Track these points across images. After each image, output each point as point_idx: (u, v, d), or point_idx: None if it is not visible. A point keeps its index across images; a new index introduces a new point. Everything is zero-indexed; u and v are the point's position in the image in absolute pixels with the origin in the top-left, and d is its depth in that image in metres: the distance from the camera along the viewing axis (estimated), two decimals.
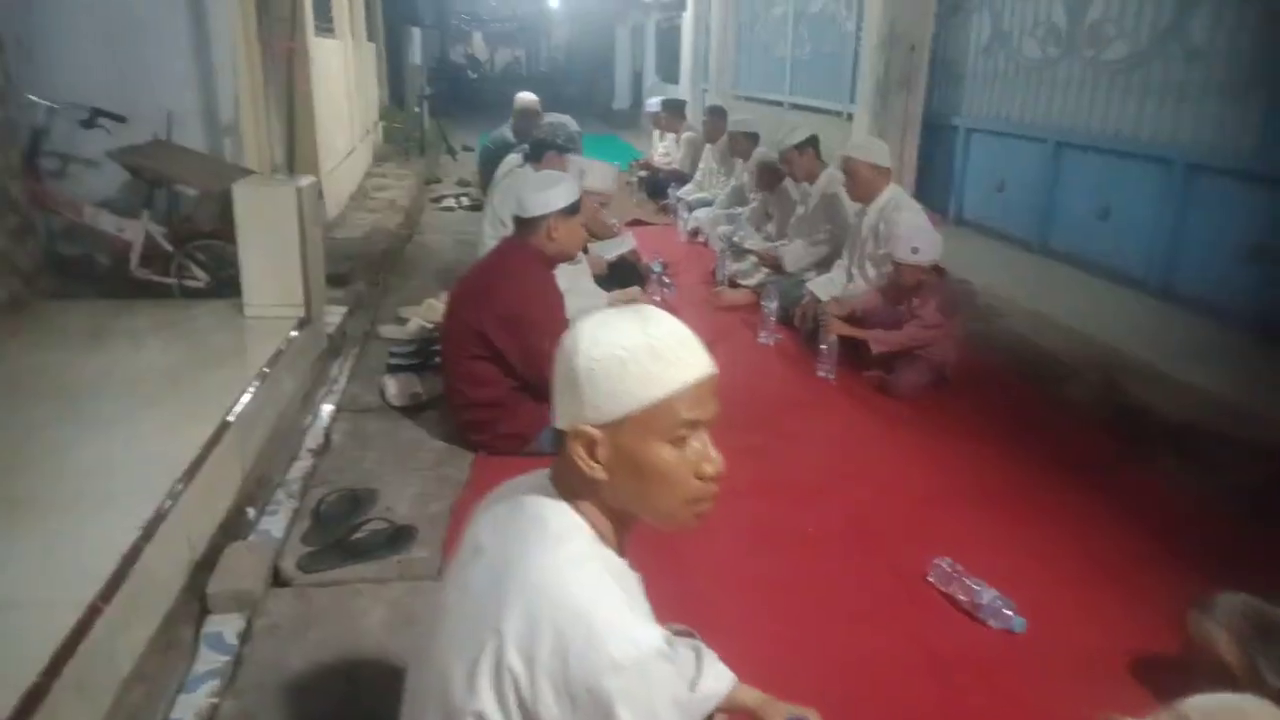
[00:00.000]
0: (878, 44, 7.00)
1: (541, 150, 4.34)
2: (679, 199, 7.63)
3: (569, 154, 4.35)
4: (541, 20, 34.12)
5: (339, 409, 3.44)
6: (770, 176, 5.80)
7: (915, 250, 3.63)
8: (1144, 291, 4.87)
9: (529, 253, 2.95)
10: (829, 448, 3.30)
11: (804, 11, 9.33)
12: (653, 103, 8.88)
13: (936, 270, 3.71)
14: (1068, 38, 5.50)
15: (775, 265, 5.14)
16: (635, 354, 1.06)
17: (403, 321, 4.47)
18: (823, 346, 3.86)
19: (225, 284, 4.01)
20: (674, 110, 8.56)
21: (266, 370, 3.10)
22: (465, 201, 8.17)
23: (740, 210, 6.58)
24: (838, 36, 8.51)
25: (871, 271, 4.26)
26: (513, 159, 5.37)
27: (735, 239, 5.96)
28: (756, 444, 3.12)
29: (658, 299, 5.12)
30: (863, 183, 4.18)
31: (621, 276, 4.88)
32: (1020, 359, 4.05)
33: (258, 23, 4.41)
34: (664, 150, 9.07)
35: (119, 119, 4.12)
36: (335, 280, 4.92)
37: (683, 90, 13.66)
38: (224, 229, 3.92)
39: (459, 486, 2.83)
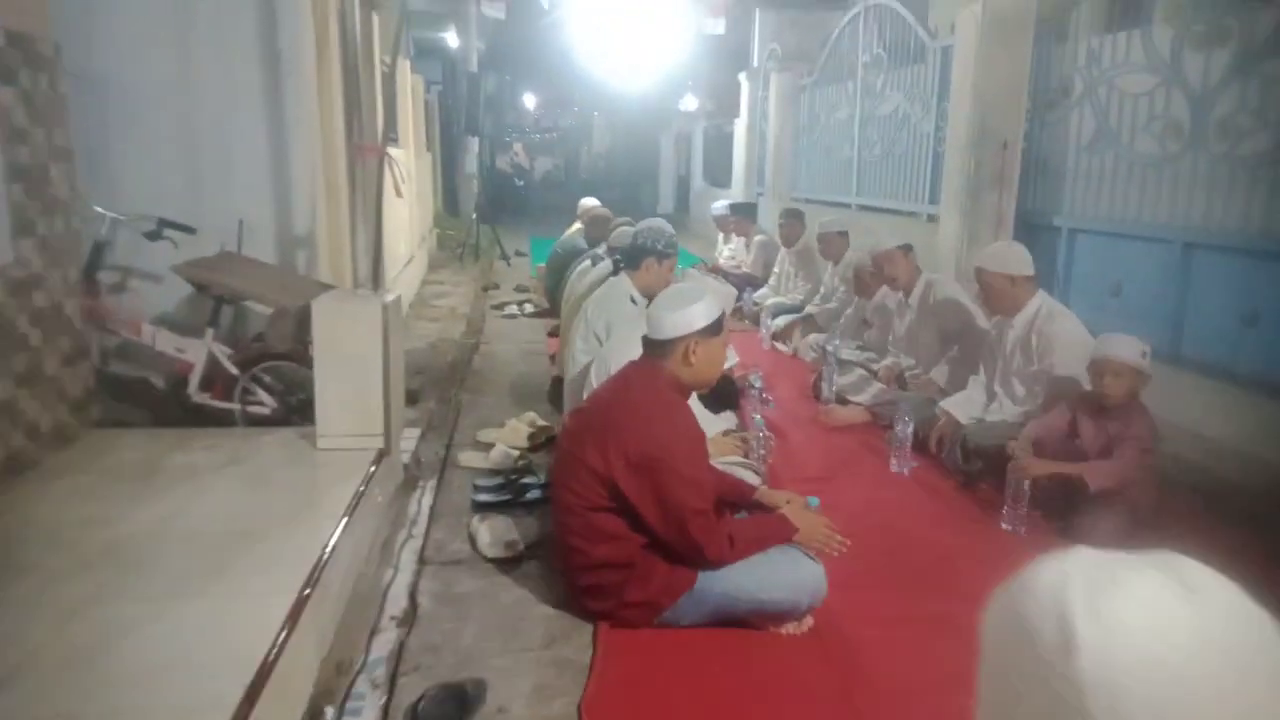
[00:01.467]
0: (966, 143, 6.65)
1: (639, 258, 3.94)
2: (756, 304, 7.22)
3: (666, 260, 3.94)
4: (582, 130, 34.99)
5: (424, 561, 2.94)
6: (868, 281, 5.37)
7: (1145, 354, 3.11)
8: None
9: (661, 381, 2.48)
10: None
11: (872, 114, 9.11)
12: (720, 206, 8.61)
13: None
14: (1192, 132, 5.08)
15: (895, 381, 4.64)
16: None
17: (484, 447, 4.01)
18: (1011, 492, 3.24)
19: (294, 410, 3.59)
20: (745, 213, 8.27)
21: (346, 520, 2.63)
22: (529, 309, 7.83)
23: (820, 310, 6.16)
24: (912, 137, 8.22)
25: (1020, 390, 3.73)
26: (599, 269, 5.01)
27: (830, 348, 5.49)
28: (941, 612, 2.55)
29: (758, 416, 4.63)
30: (1001, 295, 3.70)
31: (721, 392, 4.41)
32: (1209, 494, 3.46)
33: (346, 127, 4.13)
34: (730, 253, 8.74)
35: (188, 230, 3.79)
36: (405, 398, 4.50)
37: (735, 194, 13.49)
38: (297, 350, 3.52)
39: (582, 673, 2.28)
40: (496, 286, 9.32)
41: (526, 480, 3.48)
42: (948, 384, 4.38)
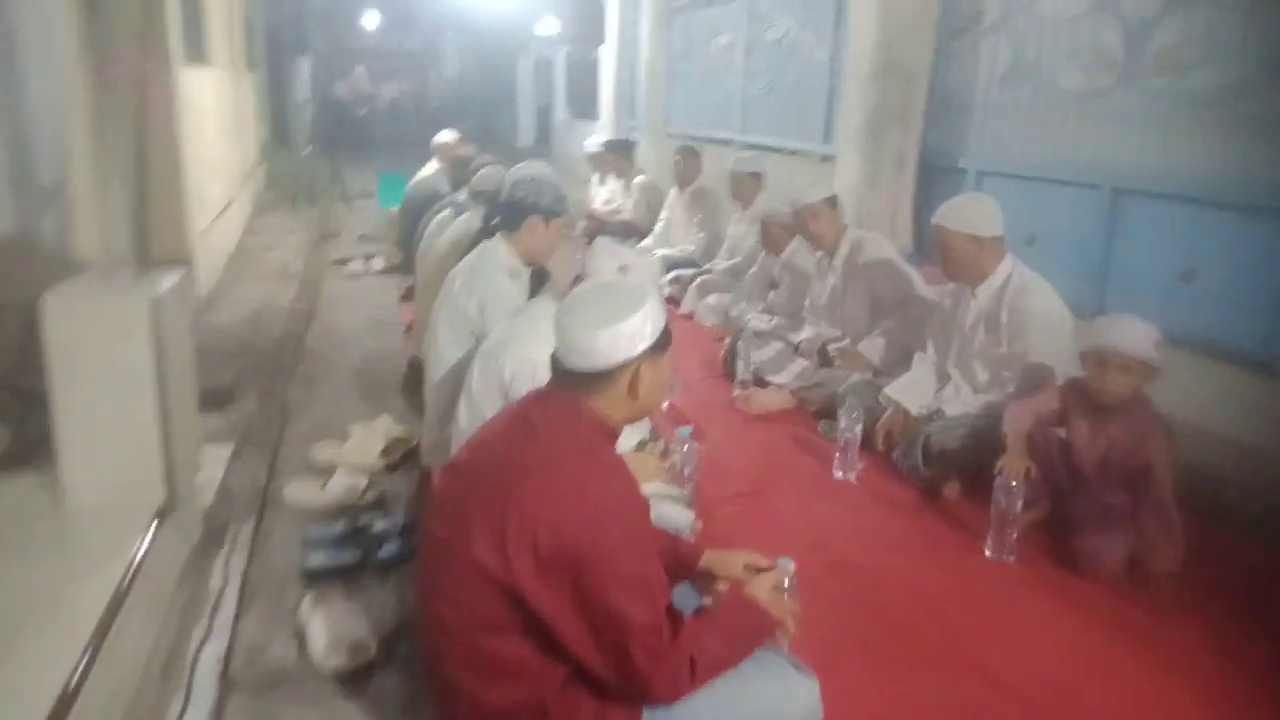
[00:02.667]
0: (869, 74, 5.99)
1: (519, 216, 3.02)
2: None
3: (555, 220, 3.05)
4: (431, 53, 32.62)
5: (228, 681, 2.02)
6: (776, 235, 4.66)
7: (1157, 344, 2.51)
8: (1268, 373, 3.92)
9: (583, 424, 1.64)
10: (1048, 681, 2.10)
11: (758, 40, 8.33)
12: (593, 143, 7.67)
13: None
14: (1126, 65, 4.58)
15: (818, 356, 3.96)
16: None
17: (321, 473, 3.05)
18: (999, 513, 2.58)
19: (33, 447, 2.52)
20: (623, 151, 7.37)
21: (96, 642, 1.68)
22: (378, 264, 6.71)
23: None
24: (804, 67, 7.52)
25: (983, 375, 3.12)
26: (463, 221, 4.06)
27: (735, 314, 4.77)
28: (954, 698, 1.88)
29: (663, 405, 3.86)
30: (964, 260, 3.04)
31: None
32: (1197, 492, 2.97)
33: (91, 39, 2.97)
34: (606, 198, 7.86)
35: None
36: (212, 399, 3.46)
37: (603, 128, 12.51)
38: (29, 362, 2.45)
39: None
40: (337, 235, 8.08)
41: (379, 527, 2.58)
42: (882, 361, 3.75)
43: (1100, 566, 2.46)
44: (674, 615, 1.61)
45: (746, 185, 5.32)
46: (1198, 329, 4.14)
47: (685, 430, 2.72)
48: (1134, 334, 2.49)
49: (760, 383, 3.96)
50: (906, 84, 5.96)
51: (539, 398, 1.70)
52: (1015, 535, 2.55)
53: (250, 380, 3.94)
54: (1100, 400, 2.55)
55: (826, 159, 7.04)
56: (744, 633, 1.72)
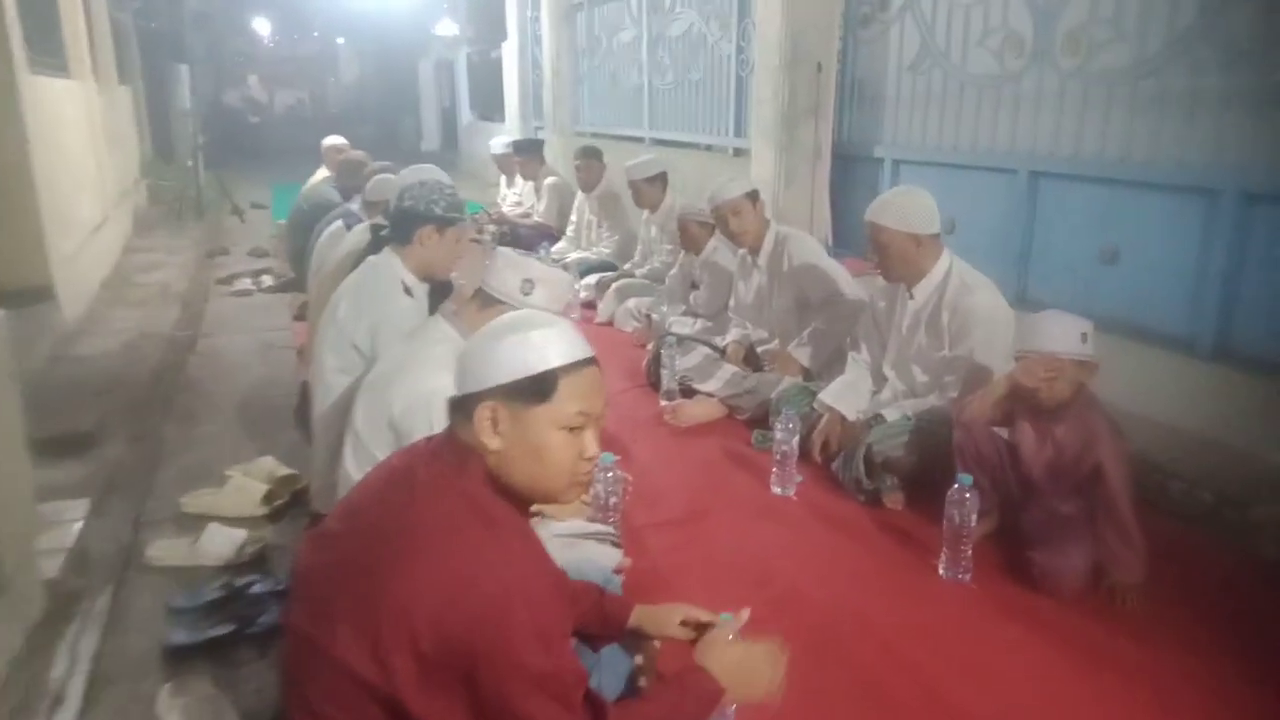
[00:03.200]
0: (778, 65, 5.83)
1: (410, 226, 2.70)
2: (556, 260, 6.10)
3: (451, 229, 2.73)
4: (326, 59, 31.58)
5: None
6: (695, 233, 4.43)
7: (1085, 337, 2.33)
8: (1191, 354, 3.87)
9: (475, 485, 1.35)
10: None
11: (661, 35, 8.10)
12: (500, 143, 7.33)
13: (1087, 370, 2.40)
14: (1035, 46, 4.51)
15: (744, 359, 3.74)
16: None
17: (191, 526, 2.66)
18: (953, 529, 2.36)
19: None
20: (531, 151, 7.03)
21: None
22: (266, 281, 6.22)
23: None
24: (711, 60, 7.33)
25: (922, 377, 2.93)
26: (356, 234, 3.71)
27: (656, 316, 4.52)
28: None
29: (607, 455, 3.58)
30: (901, 259, 2.84)
31: None
32: (1142, 485, 2.84)
33: None
34: (515, 198, 7.53)
35: None
36: (69, 445, 3.04)
37: (510, 128, 12.14)
38: None
39: None
40: (226, 252, 7.52)
41: (258, 589, 2.23)
42: (814, 363, 3.55)
43: (1059, 583, 2.28)
44: (596, 706, 1.33)
45: (646, 192, 5.10)
46: (1121, 311, 4.07)
47: (608, 457, 2.44)
48: (1059, 332, 2.33)
49: (687, 392, 3.72)
50: (816, 74, 5.82)
51: (431, 449, 1.39)
52: (969, 552, 2.35)
53: (118, 420, 3.50)
54: (1038, 403, 2.38)
55: (740, 153, 6.86)
56: (685, 705, 1.45)
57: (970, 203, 5.01)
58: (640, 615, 1.72)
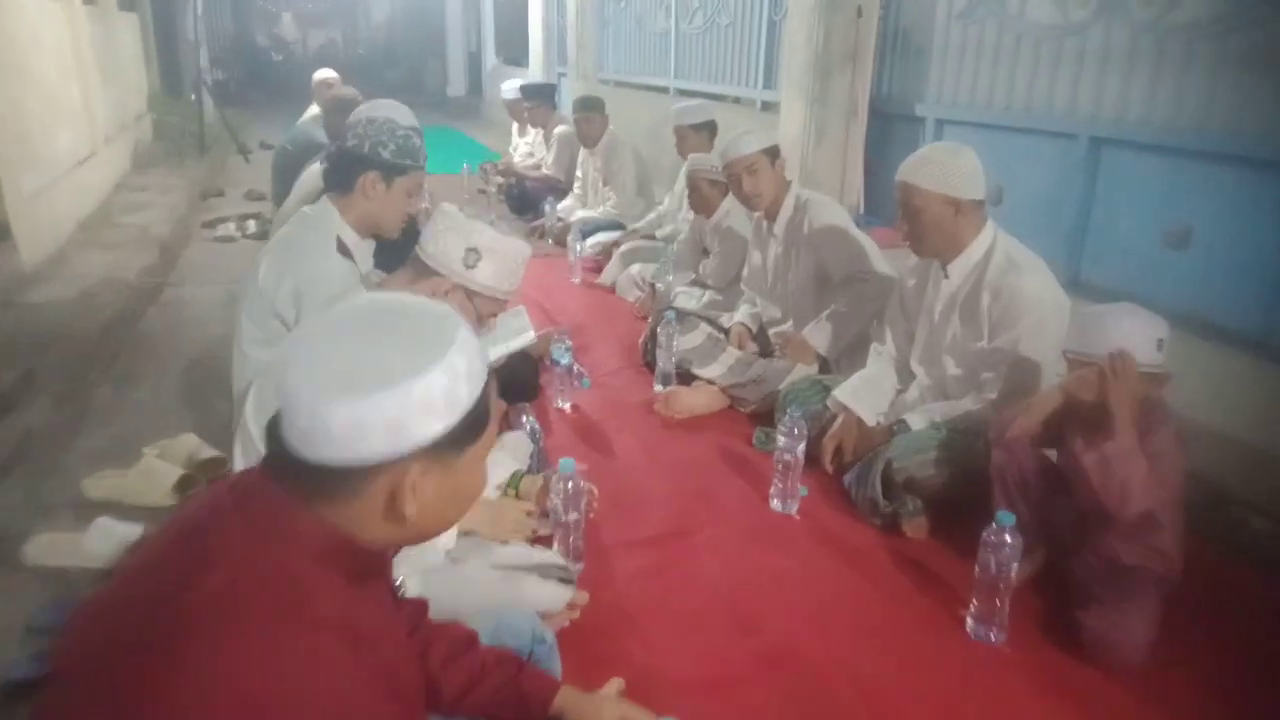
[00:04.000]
0: (815, 7, 5.27)
1: (352, 172, 2.25)
2: (560, 220, 5.63)
3: (401, 179, 2.28)
4: None
5: None
6: (706, 192, 3.94)
7: (1161, 344, 1.87)
8: (1266, 355, 3.35)
9: (296, 554, 0.91)
10: None
11: None
12: (510, 87, 6.82)
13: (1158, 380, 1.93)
14: None
15: (749, 341, 3.28)
16: None
17: (91, 514, 2.28)
18: (988, 580, 1.88)
19: None
20: (540, 96, 6.50)
21: None
22: (251, 227, 5.81)
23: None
24: (742, 3, 6.74)
25: (955, 372, 2.46)
26: (309, 180, 3.30)
27: (661, 286, 4.05)
28: None
29: (566, 406, 3.16)
30: (937, 228, 2.35)
31: (514, 378, 2.92)
32: (1205, 516, 2.37)
33: None
34: (526, 148, 7.04)
35: None
36: None
37: (534, 74, 11.59)
38: None
39: None
40: (221, 193, 7.13)
41: None
42: (830, 349, 3.08)
43: (1114, 653, 1.82)
44: None
45: (692, 140, 4.55)
46: (1187, 303, 3.56)
47: (568, 463, 2.01)
48: (1129, 334, 1.86)
49: (686, 378, 3.27)
50: (856, 19, 5.26)
51: (240, 505, 0.96)
52: (1005, 607, 1.90)
53: (47, 378, 3.13)
54: (1097, 421, 1.90)
55: (769, 107, 6.33)
56: None
57: (1021, 171, 4.47)
58: (566, 700, 1.31)
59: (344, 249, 2.27)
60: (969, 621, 1.96)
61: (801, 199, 3.25)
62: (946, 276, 2.43)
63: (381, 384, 0.86)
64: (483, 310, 1.82)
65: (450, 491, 0.96)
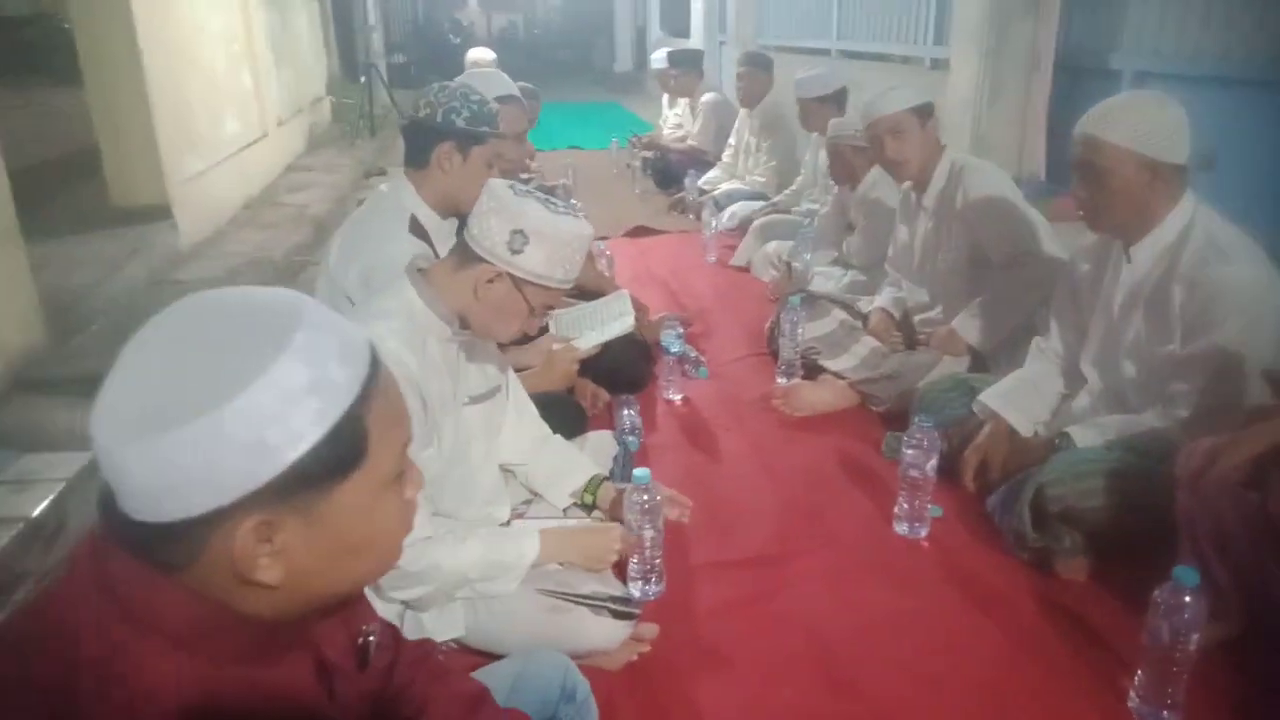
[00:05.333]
0: None
1: (426, 144, 2.07)
2: (702, 192, 5.32)
3: (478, 148, 2.07)
4: None
5: None
6: (850, 160, 3.52)
7: None
8: None
9: (164, 630, 0.71)
10: None
11: None
12: (658, 57, 6.54)
13: None
14: None
15: (892, 331, 2.87)
16: None
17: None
18: (1169, 644, 1.44)
19: None
20: (687, 63, 6.18)
21: None
22: None
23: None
24: None
25: (1137, 382, 1.98)
26: None
27: (797, 265, 3.68)
28: None
29: (677, 398, 2.89)
30: (1126, 196, 1.85)
31: (622, 364, 2.68)
32: None
33: None
34: (675, 121, 6.75)
35: None
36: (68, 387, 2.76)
37: (694, 43, 11.27)
38: None
39: None
40: (383, 173, 7.31)
41: None
42: (983, 342, 2.63)
43: None
44: None
45: (818, 114, 4.13)
46: None
47: (643, 474, 1.74)
48: None
49: (813, 369, 2.91)
50: None
51: (97, 578, 0.75)
52: (1184, 682, 1.46)
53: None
54: None
55: (938, 65, 5.71)
56: None
57: (1239, 131, 3.73)
58: None
59: (419, 229, 2.09)
60: (1132, 698, 1.53)
61: (957, 166, 2.79)
62: (1129, 261, 1.95)
63: (182, 417, 0.63)
64: (535, 301, 1.57)
65: (330, 545, 0.72)
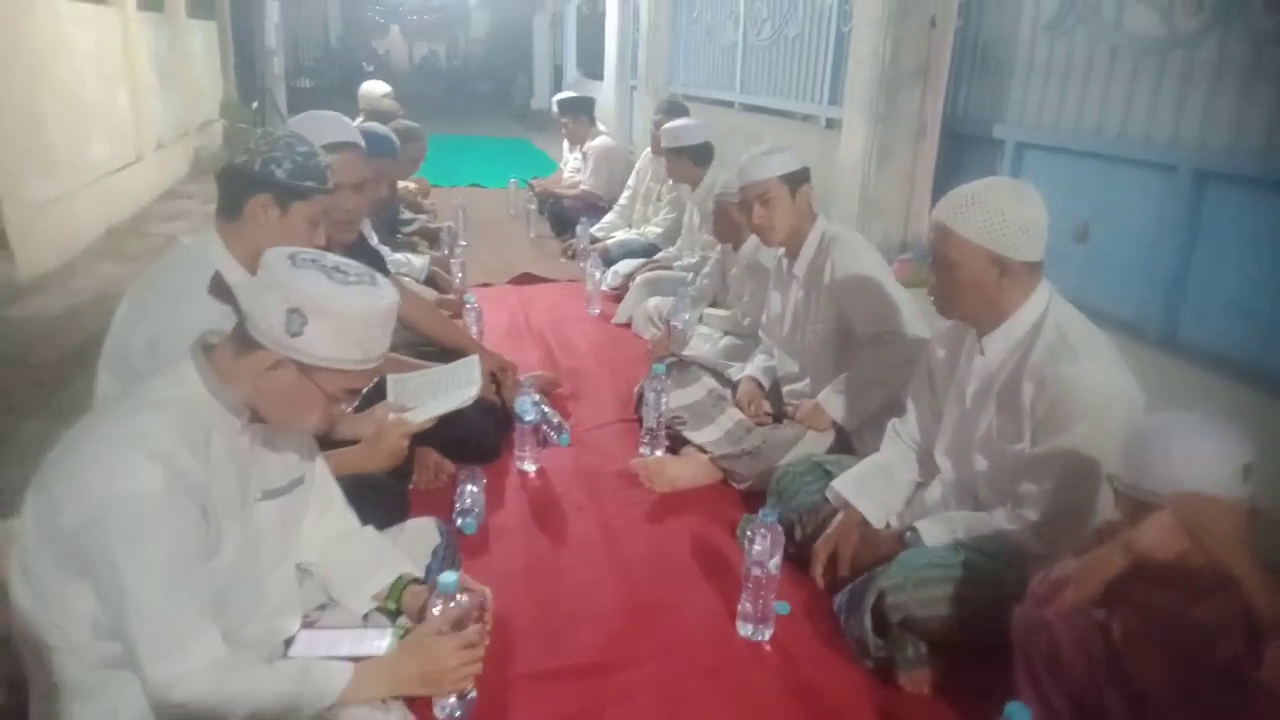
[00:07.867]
0: (883, 16, 4.72)
1: (240, 194, 1.86)
2: (594, 240, 5.20)
3: (298, 203, 1.87)
4: (460, 10, 31.35)
5: None
6: (734, 220, 3.45)
7: (1248, 471, 1.31)
8: None
9: None
10: None
11: None
12: (556, 101, 6.44)
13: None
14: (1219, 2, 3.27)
15: (759, 404, 2.76)
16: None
17: None
18: None
19: None
20: (577, 110, 6.06)
21: None
22: None
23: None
24: (811, 13, 6.21)
25: (985, 466, 1.90)
26: None
27: (679, 327, 3.56)
28: None
29: (531, 470, 2.71)
30: (976, 290, 1.78)
31: (461, 430, 2.49)
32: None
33: None
34: (575, 165, 6.65)
35: None
36: None
37: (607, 87, 11.28)
38: None
39: None
40: None
41: None
42: (847, 419, 2.54)
43: None
44: None
45: (677, 165, 4.11)
46: None
47: (448, 581, 1.55)
48: (1206, 459, 1.29)
49: (677, 441, 2.77)
50: (929, 30, 4.71)
51: None
52: None
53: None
54: (1162, 569, 1.32)
55: (833, 125, 5.78)
56: None
57: (1111, 206, 3.82)
58: None
59: (222, 289, 1.88)
60: None
61: (827, 237, 2.72)
62: (982, 353, 1.88)
63: None
64: (330, 388, 1.38)
65: None
